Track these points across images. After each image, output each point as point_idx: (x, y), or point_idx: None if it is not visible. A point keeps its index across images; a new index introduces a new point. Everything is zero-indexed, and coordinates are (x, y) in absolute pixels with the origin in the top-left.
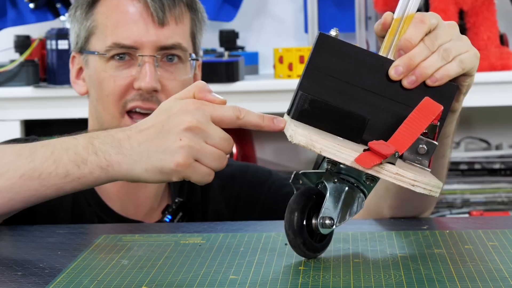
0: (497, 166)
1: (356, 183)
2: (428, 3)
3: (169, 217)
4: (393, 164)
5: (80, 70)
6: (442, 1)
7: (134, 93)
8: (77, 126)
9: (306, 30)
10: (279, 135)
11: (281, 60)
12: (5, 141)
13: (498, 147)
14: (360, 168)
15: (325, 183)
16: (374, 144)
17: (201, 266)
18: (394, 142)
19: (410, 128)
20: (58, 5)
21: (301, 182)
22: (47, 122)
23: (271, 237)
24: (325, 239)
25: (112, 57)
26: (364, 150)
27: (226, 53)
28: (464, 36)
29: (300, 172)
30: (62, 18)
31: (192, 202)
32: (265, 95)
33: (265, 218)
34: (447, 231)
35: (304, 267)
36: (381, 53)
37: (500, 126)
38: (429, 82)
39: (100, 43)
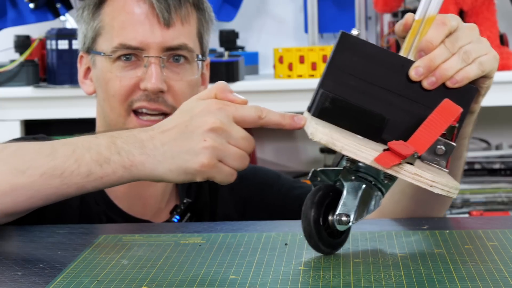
0: (497, 166)
1: (374, 181)
2: None
3: (177, 217)
4: (412, 164)
5: (88, 70)
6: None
7: (140, 93)
8: (77, 126)
9: (306, 30)
10: (279, 135)
11: (281, 60)
12: (13, 139)
13: (498, 147)
14: (379, 167)
15: (342, 180)
16: (394, 144)
17: (201, 266)
18: (413, 143)
19: (429, 129)
20: (58, 5)
21: (319, 179)
22: (47, 122)
23: (271, 237)
24: (342, 236)
25: (118, 57)
26: (384, 150)
27: (226, 53)
28: (483, 38)
29: (318, 170)
30: (62, 18)
31: (200, 203)
32: (265, 95)
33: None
34: (447, 231)
35: (304, 267)
36: (401, 54)
37: (500, 126)
38: (449, 84)
39: (107, 44)
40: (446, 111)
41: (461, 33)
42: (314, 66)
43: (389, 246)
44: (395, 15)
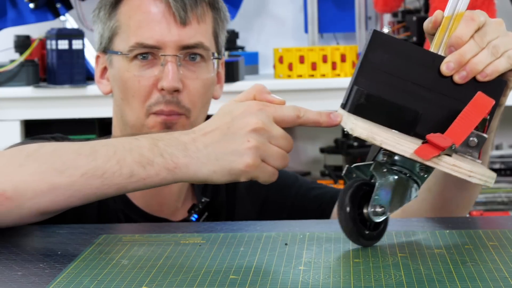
0: (497, 166)
1: (409, 173)
2: (428, 3)
3: (196, 216)
4: (450, 156)
5: (105, 69)
6: (442, 1)
7: (158, 94)
8: (77, 126)
9: (306, 30)
10: None
11: (281, 60)
12: (30, 138)
13: (498, 147)
14: (419, 159)
15: (375, 174)
16: (432, 136)
17: (201, 266)
18: (450, 135)
19: (465, 122)
20: (58, 5)
21: (354, 175)
22: (47, 122)
23: (271, 237)
24: (380, 227)
25: (135, 57)
26: (423, 143)
27: (226, 53)
28: (510, 32)
29: (352, 166)
30: (62, 18)
31: (217, 202)
32: None
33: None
34: (447, 231)
35: (304, 267)
36: (432, 50)
37: (500, 126)
38: (479, 77)
39: (124, 43)
40: (480, 104)
41: (489, 28)
42: (314, 66)
43: (389, 246)
44: (395, 15)
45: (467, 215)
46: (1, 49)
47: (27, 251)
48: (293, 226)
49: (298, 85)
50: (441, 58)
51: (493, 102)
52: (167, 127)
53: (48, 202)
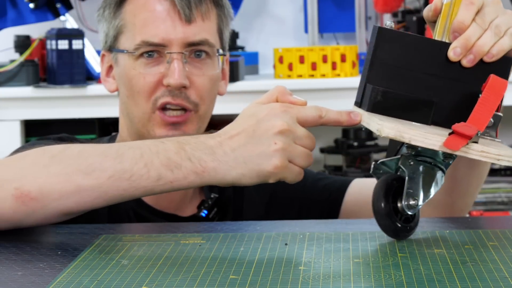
0: (497, 166)
1: (433, 162)
2: (428, 3)
3: (205, 212)
4: (477, 142)
5: (110, 68)
6: None
7: (164, 89)
8: (77, 126)
9: (306, 30)
10: None
11: (281, 60)
12: (40, 138)
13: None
14: (448, 151)
15: (402, 167)
16: (458, 127)
17: (201, 266)
18: (473, 122)
19: (485, 107)
20: (58, 5)
21: (381, 171)
22: (47, 122)
23: (271, 237)
24: (415, 218)
25: (141, 55)
26: (449, 134)
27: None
28: (508, 10)
29: (378, 162)
30: (62, 18)
31: (225, 197)
32: None
33: (303, 214)
34: (447, 231)
35: (304, 267)
36: (435, 38)
37: (500, 126)
38: (486, 59)
39: (129, 42)
40: (496, 87)
41: (488, 9)
42: (314, 66)
43: (389, 246)
44: (395, 15)
45: (467, 215)
46: (1, 49)
47: (27, 251)
48: (293, 226)
49: (298, 85)
50: (447, 45)
51: (506, 82)
52: (174, 127)
53: (74, 203)
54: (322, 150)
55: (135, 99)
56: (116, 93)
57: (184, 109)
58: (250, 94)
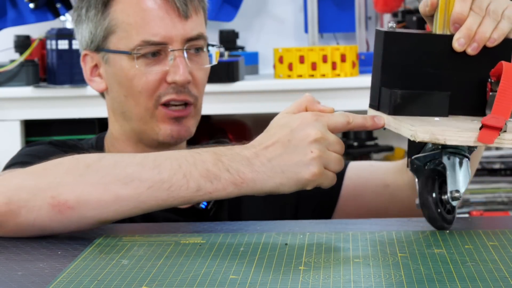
0: (497, 166)
1: (456, 151)
2: None
3: (205, 203)
4: (505, 131)
5: (95, 67)
6: None
7: (167, 86)
8: (77, 126)
9: (306, 30)
10: None
11: (281, 60)
12: (48, 141)
13: (498, 147)
14: (483, 145)
15: (442, 161)
16: (487, 120)
17: (201, 266)
18: (498, 112)
19: (506, 95)
20: (58, 5)
21: (415, 166)
22: (47, 122)
23: (271, 237)
24: (455, 210)
25: (142, 54)
26: (480, 128)
27: (226, 53)
28: None
29: (413, 158)
30: (62, 18)
31: None
32: (265, 95)
33: (303, 200)
34: (447, 231)
35: (304, 267)
36: (436, 31)
37: None
38: (489, 44)
39: (125, 42)
40: (510, 73)
41: None
42: (314, 66)
43: (389, 246)
44: (395, 15)
45: (467, 215)
46: (1, 49)
47: (27, 251)
48: (293, 226)
49: (298, 85)
50: (450, 37)
51: None
52: (178, 121)
53: (112, 212)
54: None
55: (136, 98)
56: None
57: (185, 104)
58: (250, 94)
